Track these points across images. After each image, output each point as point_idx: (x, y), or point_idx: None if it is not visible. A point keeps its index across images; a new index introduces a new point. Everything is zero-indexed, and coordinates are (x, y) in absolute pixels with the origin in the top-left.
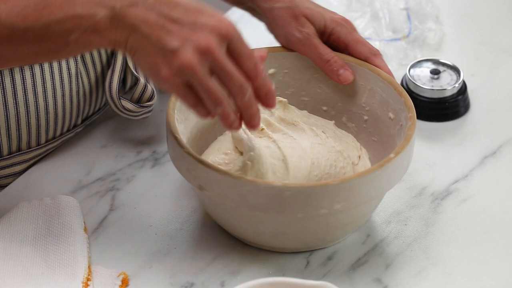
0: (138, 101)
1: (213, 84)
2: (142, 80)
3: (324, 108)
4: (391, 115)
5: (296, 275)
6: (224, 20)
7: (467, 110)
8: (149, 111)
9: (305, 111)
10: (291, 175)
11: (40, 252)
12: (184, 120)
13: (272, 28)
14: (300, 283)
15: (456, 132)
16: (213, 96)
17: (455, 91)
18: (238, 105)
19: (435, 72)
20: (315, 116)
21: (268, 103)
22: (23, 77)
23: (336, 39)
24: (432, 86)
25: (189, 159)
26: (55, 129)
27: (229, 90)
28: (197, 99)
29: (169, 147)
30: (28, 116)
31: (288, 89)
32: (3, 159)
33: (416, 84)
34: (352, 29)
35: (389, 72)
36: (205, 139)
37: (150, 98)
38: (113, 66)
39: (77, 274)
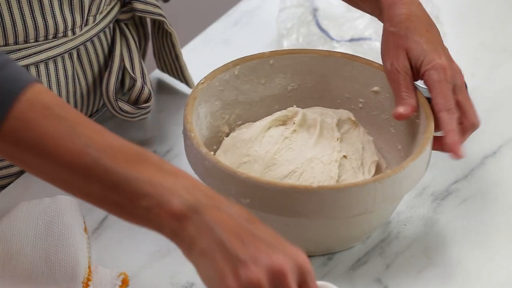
0: (135, 103)
1: None
2: (139, 82)
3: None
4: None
5: None
6: (302, 253)
7: None
8: (147, 113)
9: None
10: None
11: (40, 252)
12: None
13: (381, 47)
14: None
15: None
16: None
17: None
18: None
19: None
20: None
21: None
22: None
23: (425, 82)
24: None
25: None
26: None
27: None
28: None
29: (186, 147)
30: None
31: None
32: (1, 159)
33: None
34: (446, 78)
35: (449, 131)
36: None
37: (147, 100)
38: (110, 68)
39: (77, 274)
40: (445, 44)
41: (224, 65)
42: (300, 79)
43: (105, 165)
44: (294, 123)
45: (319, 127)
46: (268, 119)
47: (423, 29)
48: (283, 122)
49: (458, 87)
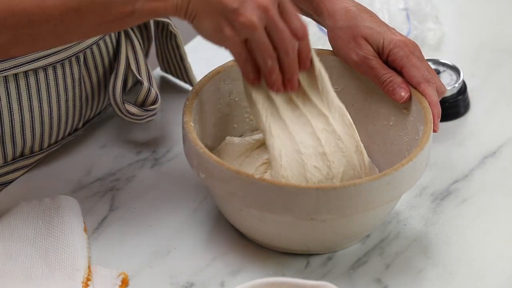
0: (142, 105)
1: (268, 40)
2: (145, 84)
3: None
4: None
5: (296, 275)
6: None
7: (467, 110)
8: (153, 115)
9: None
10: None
11: (40, 252)
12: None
13: (334, 47)
14: (300, 283)
15: (456, 132)
16: (267, 51)
17: (455, 91)
18: (283, 62)
19: None
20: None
21: (306, 64)
22: (27, 83)
23: (393, 61)
24: None
25: (199, 154)
26: (57, 134)
27: (278, 47)
28: (249, 56)
29: (185, 146)
30: (32, 122)
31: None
32: (7, 164)
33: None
34: (410, 52)
35: (434, 102)
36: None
37: (154, 102)
38: (116, 71)
39: (77, 274)
40: (445, 44)
41: None
42: (345, 83)
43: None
44: None
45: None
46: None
47: (368, 15)
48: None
49: (420, 60)
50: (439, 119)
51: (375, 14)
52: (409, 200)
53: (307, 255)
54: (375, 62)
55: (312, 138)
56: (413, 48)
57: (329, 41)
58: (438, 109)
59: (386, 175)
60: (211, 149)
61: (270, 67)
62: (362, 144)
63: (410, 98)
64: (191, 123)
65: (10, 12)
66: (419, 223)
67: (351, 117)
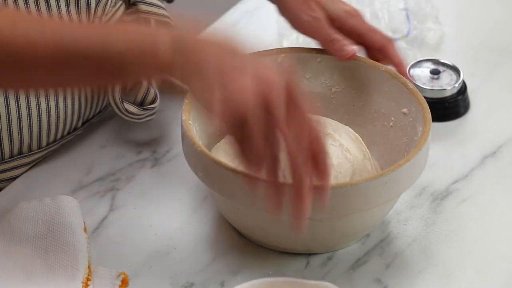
0: (141, 104)
1: (261, 143)
2: (144, 83)
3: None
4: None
5: (296, 275)
6: (294, 76)
7: (467, 110)
8: (153, 114)
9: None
10: None
11: (40, 252)
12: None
13: (282, 10)
14: (300, 283)
15: (456, 132)
16: (258, 138)
17: (455, 91)
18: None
19: (435, 72)
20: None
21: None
22: None
23: (350, 29)
24: (432, 86)
25: (200, 155)
26: (56, 132)
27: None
28: (243, 135)
29: (183, 145)
30: (30, 119)
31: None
32: (4, 162)
33: (416, 84)
34: (362, 20)
35: (401, 62)
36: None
37: (153, 101)
38: None
39: (77, 274)
40: (445, 44)
41: (266, 50)
42: (345, 83)
43: (83, 51)
44: None
45: None
46: None
47: None
48: None
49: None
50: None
51: None
52: (409, 200)
53: (307, 255)
54: (325, 24)
55: None
56: (362, 16)
57: (278, 6)
58: (404, 68)
59: (383, 175)
60: (212, 147)
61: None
62: (368, 152)
63: (354, 57)
64: (190, 121)
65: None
66: (419, 223)
67: (351, 117)
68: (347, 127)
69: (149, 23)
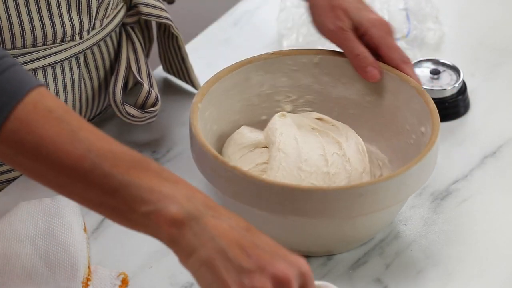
0: (142, 107)
1: None
2: (146, 86)
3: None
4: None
5: None
6: (304, 260)
7: (467, 110)
8: (153, 116)
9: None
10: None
11: (40, 252)
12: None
13: (311, 13)
14: None
15: (456, 132)
16: None
17: (455, 91)
18: None
19: (435, 72)
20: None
21: None
22: None
23: (369, 40)
24: (432, 86)
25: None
26: None
27: None
28: None
29: (192, 147)
30: None
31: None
32: (1, 164)
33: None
34: (387, 32)
35: (418, 81)
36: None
37: (154, 104)
38: (117, 72)
39: (77, 274)
40: (445, 44)
41: (303, 49)
42: (378, 94)
43: (105, 171)
44: None
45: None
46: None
47: None
48: None
49: (392, 36)
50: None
51: None
52: (409, 200)
53: (307, 255)
54: (350, 35)
55: (319, 159)
56: (389, 29)
57: (308, 8)
58: (421, 83)
59: (388, 179)
60: (228, 134)
61: None
62: (369, 166)
63: (381, 77)
64: (199, 105)
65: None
66: (419, 223)
67: (381, 129)
68: (360, 139)
69: (171, 176)
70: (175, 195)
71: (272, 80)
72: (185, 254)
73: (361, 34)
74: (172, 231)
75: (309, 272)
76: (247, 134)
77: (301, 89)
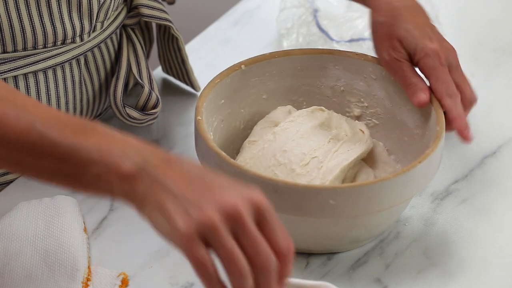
0: (143, 109)
1: (235, 247)
2: (146, 88)
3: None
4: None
5: (296, 275)
6: (258, 192)
7: None
8: (154, 118)
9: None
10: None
11: (40, 252)
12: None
13: (372, 39)
14: (300, 283)
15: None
16: (234, 261)
17: None
18: (258, 281)
19: None
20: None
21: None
22: (27, 85)
23: (422, 69)
24: None
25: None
26: None
27: (252, 261)
28: (211, 265)
29: (196, 144)
30: None
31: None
32: None
33: None
34: (440, 63)
35: (454, 117)
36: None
37: (155, 106)
38: (118, 74)
39: (77, 274)
40: None
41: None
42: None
43: (52, 139)
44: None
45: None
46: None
47: (410, 15)
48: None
49: (454, 67)
50: (468, 130)
51: (420, 12)
52: None
53: (307, 255)
54: (405, 66)
55: (297, 157)
56: (445, 58)
57: (371, 33)
58: (462, 121)
59: (392, 178)
60: (245, 129)
61: (239, 285)
62: (330, 179)
63: (428, 103)
64: (204, 124)
65: None
66: (419, 223)
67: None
68: (371, 171)
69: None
70: (124, 151)
71: (350, 79)
72: (140, 205)
73: (415, 64)
74: (125, 186)
75: (263, 202)
76: (279, 110)
77: (373, 100)
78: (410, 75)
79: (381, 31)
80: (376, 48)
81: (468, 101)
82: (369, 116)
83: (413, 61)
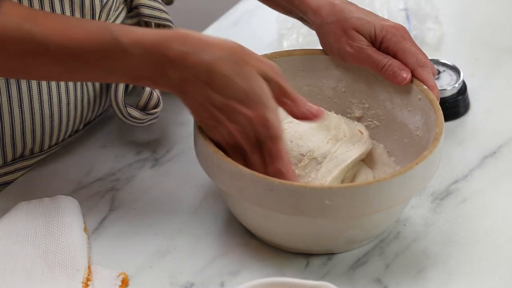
0: (144, 109)
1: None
2: (147, 88)
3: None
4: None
5: (296, 275)
6: (272, 63)
7: (467, 110)
8: (155, 118)
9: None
10: None
11: (40, 252)
12: None
13: (325, 43)
14: (300, 283)
15: (456, 132)
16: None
17: (455, 91)
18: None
19: None
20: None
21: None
22: (29, 86)
23: (386, 47)
24: None
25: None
26: (58, 135)
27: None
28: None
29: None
30: (33, 124)
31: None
32: (7, 165)
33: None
34: (402, 37)
35: (433, 86)
36: None
37: (156, 105)
38: None
39: (77, 274)
40: (445, 44)
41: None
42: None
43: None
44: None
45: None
46: None
47: (353, 6)
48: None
49: (412, 43)
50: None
51: (357, 5)
52: None
53: (307, 255)
54: (370, 51)
55: (294, 158)
56: (404, 33)
57: (319, 37)
58: (437, 92)
59: (391, 178)
60: None
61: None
62: (329, 180)
63: (411, 79)
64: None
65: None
66: (419, 223)
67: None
68: (370, 172)
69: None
70: (169, 39)
71: (351, 80)
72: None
73: (378, 45)
74: (170, 71)
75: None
76: (279, 111)
77: (374, 101)
78: (380, 58)
79: (333, 30)
80: (333, 48)
81: (433, 72)
82: (370, 117)
83: (375, 45)
